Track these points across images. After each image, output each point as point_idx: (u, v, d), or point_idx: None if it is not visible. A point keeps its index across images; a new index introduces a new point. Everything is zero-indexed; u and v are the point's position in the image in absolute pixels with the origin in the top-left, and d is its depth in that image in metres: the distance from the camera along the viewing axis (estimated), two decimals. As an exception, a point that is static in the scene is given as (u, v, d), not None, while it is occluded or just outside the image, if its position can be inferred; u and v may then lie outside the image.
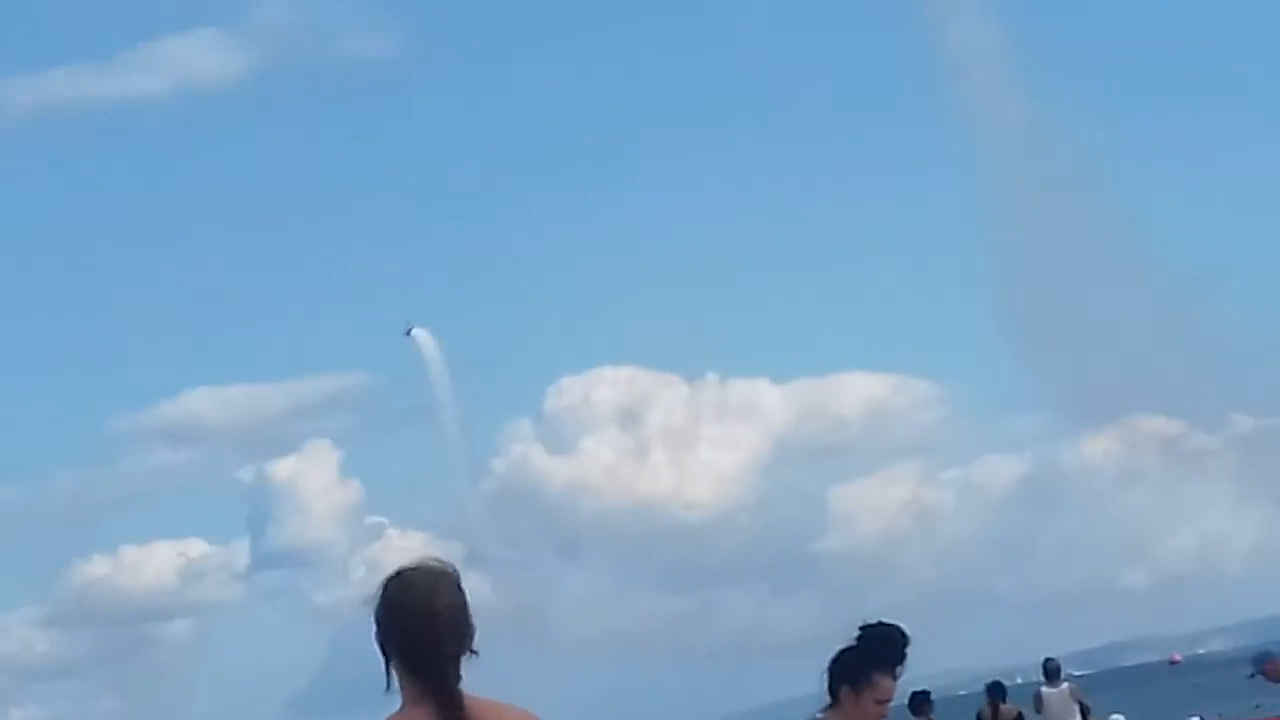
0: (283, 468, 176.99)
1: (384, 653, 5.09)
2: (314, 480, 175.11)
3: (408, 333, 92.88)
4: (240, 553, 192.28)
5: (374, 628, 5.09)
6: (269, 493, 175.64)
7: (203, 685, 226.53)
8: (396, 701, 5.12)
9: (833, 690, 7.86)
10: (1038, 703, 25.18)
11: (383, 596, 5.10)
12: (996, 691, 25.08)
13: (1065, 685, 25.74)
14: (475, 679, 5.15)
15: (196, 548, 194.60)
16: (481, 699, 5.10)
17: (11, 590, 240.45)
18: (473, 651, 5.08)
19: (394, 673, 5.10)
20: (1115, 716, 26.42)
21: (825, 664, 7.86)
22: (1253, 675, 19.58)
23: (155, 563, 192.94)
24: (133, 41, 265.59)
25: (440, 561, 5.17)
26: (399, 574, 5.13)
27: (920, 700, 24.56)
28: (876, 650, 7.81)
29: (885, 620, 7.90)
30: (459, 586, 5.11)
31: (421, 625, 5.01)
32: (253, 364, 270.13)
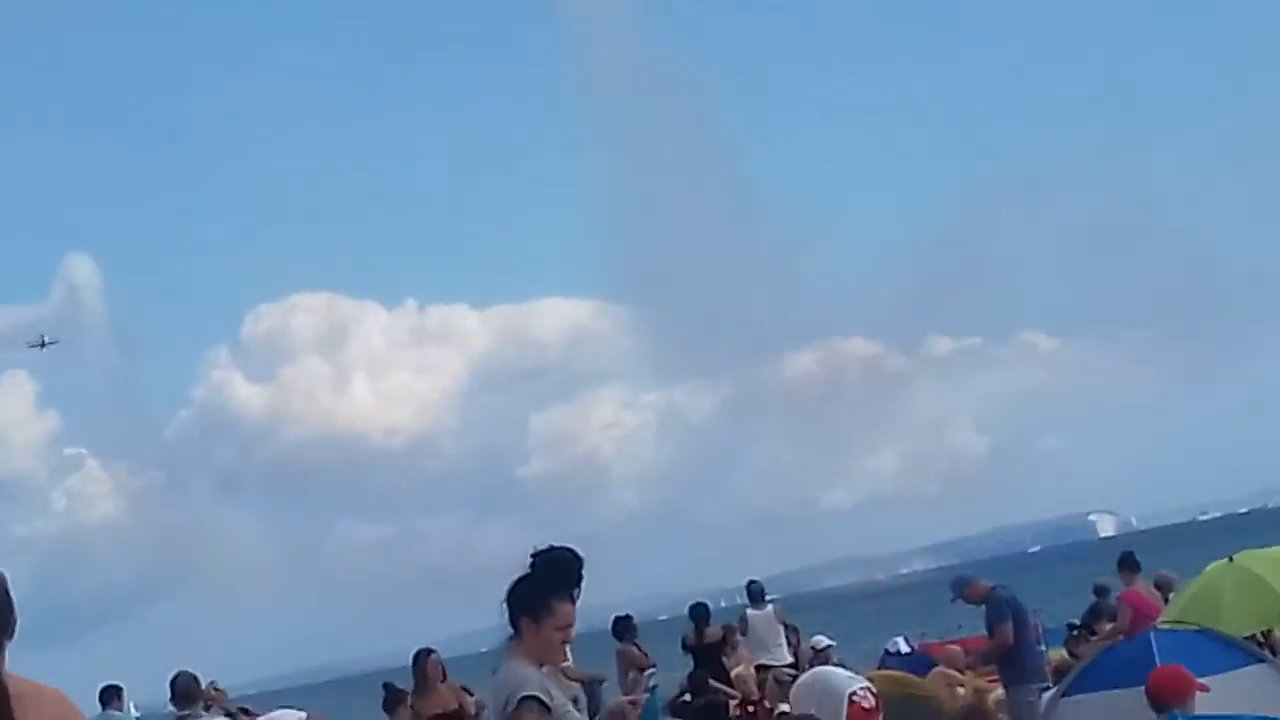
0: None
1: None
2: (9, 412, 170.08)
3: (41, 345, 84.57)
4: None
5: None
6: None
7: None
8: None
9: (514, 622, 7.49)
10: (743, 625, 24.90)
11: None
12: (700, 614, 24.71)
13: (770, 607, 25.53)
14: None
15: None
16: (18, 677, 5.20)
17: None
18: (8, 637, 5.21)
19: None
20: (819, 638, 26.15)
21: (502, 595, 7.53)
22: (954, 600, 19.77)
23: None
24: None
25: None
26: None
27: (623, 625, 24.15)
28: (551, 577, 7.43)
29: (556, 544, 7.50)
30: None
31: None
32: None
